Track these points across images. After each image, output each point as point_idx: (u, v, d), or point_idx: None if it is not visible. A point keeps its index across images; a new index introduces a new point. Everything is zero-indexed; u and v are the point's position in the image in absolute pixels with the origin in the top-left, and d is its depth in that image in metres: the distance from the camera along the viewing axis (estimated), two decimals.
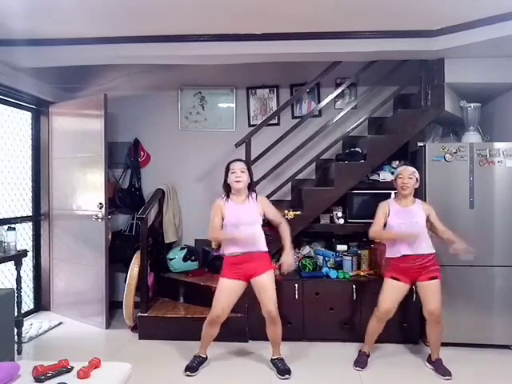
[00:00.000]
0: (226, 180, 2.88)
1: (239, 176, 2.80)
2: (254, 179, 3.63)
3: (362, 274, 3.49)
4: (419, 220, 2.83)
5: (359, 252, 3.63)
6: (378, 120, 4.02)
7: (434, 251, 2.85)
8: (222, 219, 2.83)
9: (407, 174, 2.87)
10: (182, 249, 4.05)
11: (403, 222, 2.83)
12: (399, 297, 2.85)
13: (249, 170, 2.90)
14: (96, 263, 3.75)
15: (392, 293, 2.84)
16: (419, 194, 3.23)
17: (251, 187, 2.92)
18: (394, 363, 3.02)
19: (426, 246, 2.82)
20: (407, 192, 2.86)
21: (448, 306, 3.17)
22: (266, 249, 2.86)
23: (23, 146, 4.06)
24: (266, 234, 3.60)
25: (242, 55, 3.26)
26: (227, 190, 2.89)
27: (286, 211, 3.48)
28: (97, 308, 3.76)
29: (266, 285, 2.79)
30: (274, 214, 2.94)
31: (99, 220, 3.69)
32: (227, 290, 2.80)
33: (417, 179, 2.90)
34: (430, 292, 2.80)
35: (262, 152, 3.74)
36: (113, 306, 3.95)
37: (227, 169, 2.87)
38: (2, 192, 3.75)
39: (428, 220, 2.89)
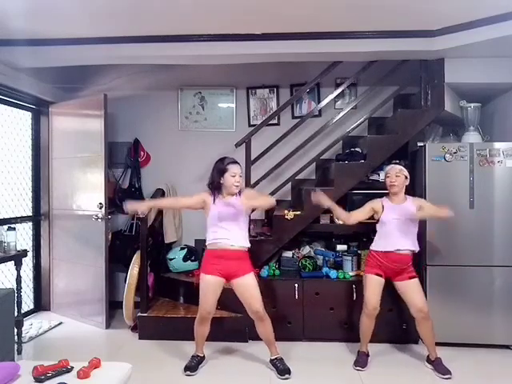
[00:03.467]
0: (218, 178, 2.77)
1: (238, 181, 2.77)
2: (254, 179, 3.67)
3: (361, 273, 3.47)
4: (411, 217, 2.85)
5: (359, 252, 3.63)
6: (378, 120, 4.02)
7: (418, 249, 2.91)
8: (202, 209, 2.84)
9: (394, 173, 2.88)
10: (182, 249, 4.05)
11: (397, 218, 2.85)
12: (381, 291, 2.91)
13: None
14: (96, 263, 3.75)
15: (376, 288, 2.89)
16: (419, 194, 3.24)
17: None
18: (394, 363, 3.03)
19: (412, 244, 2.87)
20: (396, 190, 2.88)
21: (448, 305, 3.18)
22: (246, 245, 2.82)
23: (23, 146, 4.06)
24: (265, 234, 3.64)
25: (242, 55, 3.26)
26: (218, 188, 2.80)
27: (286, 211, 3.49)
28: (97, 308, 3.76)
29: (248, 285, 2.79)
30: (251, 197, 2.80)
31: (99, 220, 3.69)
32: (211, 286, 2.80)
33: (406, 177, 2.90)
34: (415, 291, 2.86)
35: (262, 152, 3.75)
36: (113, 306, 3.95)
37: (225, 168, 2.76)
38: (2, 192, 3.75)
39: (421, 209, 2.89)
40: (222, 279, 2.81)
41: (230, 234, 2.77)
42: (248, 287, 2.79)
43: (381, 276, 2.89)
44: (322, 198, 2.93)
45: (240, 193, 2.85)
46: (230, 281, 2.82)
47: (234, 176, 2.75)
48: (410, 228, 2.86)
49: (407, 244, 2.84)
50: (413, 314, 2.89)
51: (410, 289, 2.86)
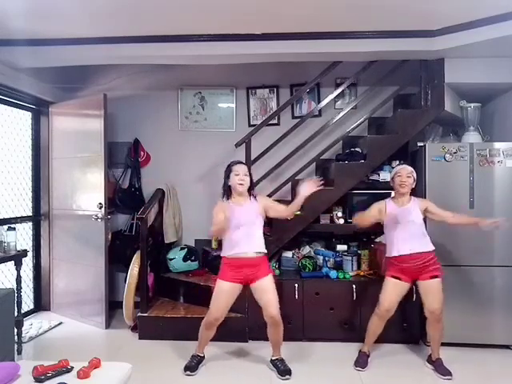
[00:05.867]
0: (226, 181, 2.85)
1: (242, 179, 2.78)
2: (254, 179, 3.66)
3: (361, 274, 3.49)
4: (415, 218, 2.84)
5: (359, 252, 3.63)
6: (378, 120, 4.02)
7: (433, 248, 2.85)
8: None
9: (405, 173, 2.88)
10: (182, 249, 4.05)
11: (399, 222, 2.84)
12: (400, 295, 2.87)
13: (250, 172, 2.89)
14: (96, 263, 3.75)
15: (393, 291, 2.86)
16: (419, 193, 3.24)
17: (251, 190, 2.89)
18: (394, 363, 3.03)
19: (424, 244, 2.83)
20: (405, 190, 2.87)
21: (448, 305, 3.17)
22: (264, 251, 2.84)
23: (23, 146, 4.06)
24: (266, 235, 3.63)
25: (241, 55, 3.26)
26: (228, 191, 2.86)
27: None
28: (97, 308, 3.76)
29: (266, 289, 2.78)
30: (277, 209, 2.90)
31: (99, 220, 3.69)
32: (225, 293, 2.78)
33: (414, 179, 2.91)
34: (431, 291, 2.80)
35: (262, 152, 3.74)
36: (113, 306, 3.95)
37: (229, 170, 2.83)
38: (2, 192, 3.75)
39: (429, 212, 2.89)
40: (239, 285, 2.80)
41: (247, 241, 2.76)
42: (266, 291, 2.77)
43: (400, 279, 2.83)
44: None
45: (255, 197, 2.88)
46: (249, 285, 2.81)
47: (237, 175, 2.78)
48: (416, 229, 2.83)
49: (417, 246, 2.80)
50: (425, 314, 2.87)
51: (427, 289, 2.81)
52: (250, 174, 2.89)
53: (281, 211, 2.91)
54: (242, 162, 2.91)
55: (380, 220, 2.94)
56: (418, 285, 2.87)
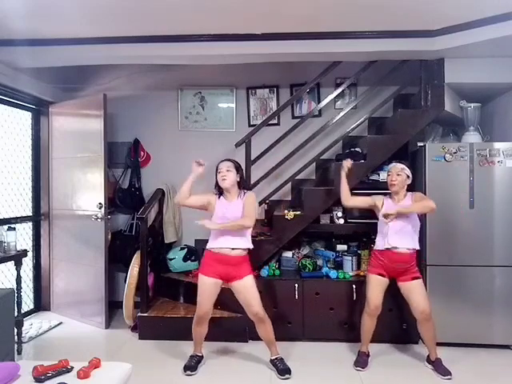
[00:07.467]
0: (215, 179, 2.89)
1: (225, 175, 2.81)
2: (254, 179, 3.66)
3: (361, 274, 3.48)
4: (409, 215, 2.86)
5: (359, 252, 3.63)
6: (378, 120, 4.02)
7: (419, 248, 2.91)
8: (205, 210, 2.88)
9: (396, 171, 2.90)
10: (182, 249, 4.06)
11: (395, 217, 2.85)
12: (384, 291, 2.92)
13: (237, 168, 2.87)
14: (96, 263, 3.75)
15: (379, 289, 2.90)
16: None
17: (241, 186, 2.90)
18: (394, 363, 3.03)
19: (413, 242, 2.87)
20: (395, 189, 2.90)
21: (448, 305, 3.18)
22: (247, 246, 2.82)
23: (23, 145, 4.06)
24: (265, 234, 3.63)
25: (241, 55, 3.26)
26: (219, 190, 2.89)
27: (286, 211, 3.49)
28: (97, 308, 3.76)
29: (247, 286, 2.80)
30: (246, 211, 2.78)
31: (99, 220, 3.69)
32: (208, 288, 2.82)
33: (408, 176, 2.91)
34: (418, 292, 2.85)
35: (262, 152, 3.74)
36: (113, 306, 3.95)
37: (216, 169, 2.88)
38: (2, 192, 3.75)
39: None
40: (219, 281, 2.83)
41: (231, 236, 2.78)
42: (247, 289, 2.80)
43: (383, 276, 2.89)
44: (346, 164, 3.09)
45: (244, 195, 2.88)
46: (229, 283, 2.83)
47: (220, 172, 2.83)
48: (408, 226, 2.86)
49: (405, 242, 2.84)
50: (415, 315, 2.89)
51: (412, 290, 2.85)
52: (240, 170, 2.90)
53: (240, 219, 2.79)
54: (226, 159, 2.91)
55: (373, 208, 3.02)
56: (400, 287, 2.90)
